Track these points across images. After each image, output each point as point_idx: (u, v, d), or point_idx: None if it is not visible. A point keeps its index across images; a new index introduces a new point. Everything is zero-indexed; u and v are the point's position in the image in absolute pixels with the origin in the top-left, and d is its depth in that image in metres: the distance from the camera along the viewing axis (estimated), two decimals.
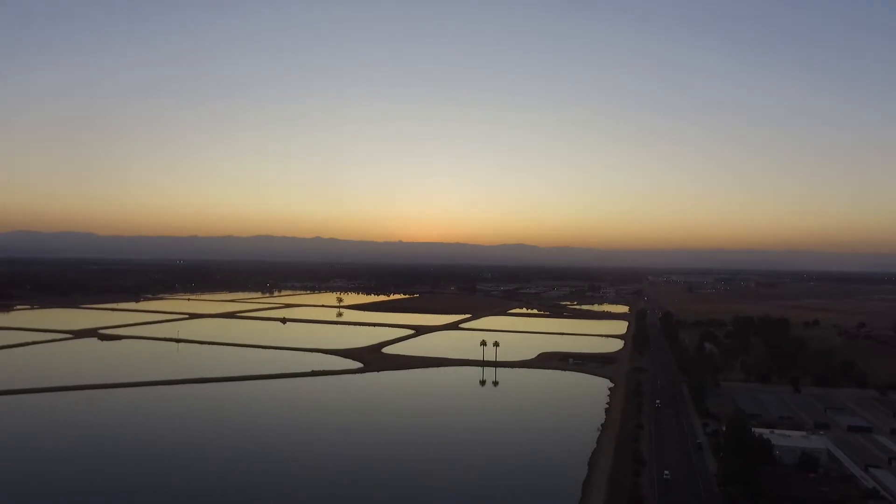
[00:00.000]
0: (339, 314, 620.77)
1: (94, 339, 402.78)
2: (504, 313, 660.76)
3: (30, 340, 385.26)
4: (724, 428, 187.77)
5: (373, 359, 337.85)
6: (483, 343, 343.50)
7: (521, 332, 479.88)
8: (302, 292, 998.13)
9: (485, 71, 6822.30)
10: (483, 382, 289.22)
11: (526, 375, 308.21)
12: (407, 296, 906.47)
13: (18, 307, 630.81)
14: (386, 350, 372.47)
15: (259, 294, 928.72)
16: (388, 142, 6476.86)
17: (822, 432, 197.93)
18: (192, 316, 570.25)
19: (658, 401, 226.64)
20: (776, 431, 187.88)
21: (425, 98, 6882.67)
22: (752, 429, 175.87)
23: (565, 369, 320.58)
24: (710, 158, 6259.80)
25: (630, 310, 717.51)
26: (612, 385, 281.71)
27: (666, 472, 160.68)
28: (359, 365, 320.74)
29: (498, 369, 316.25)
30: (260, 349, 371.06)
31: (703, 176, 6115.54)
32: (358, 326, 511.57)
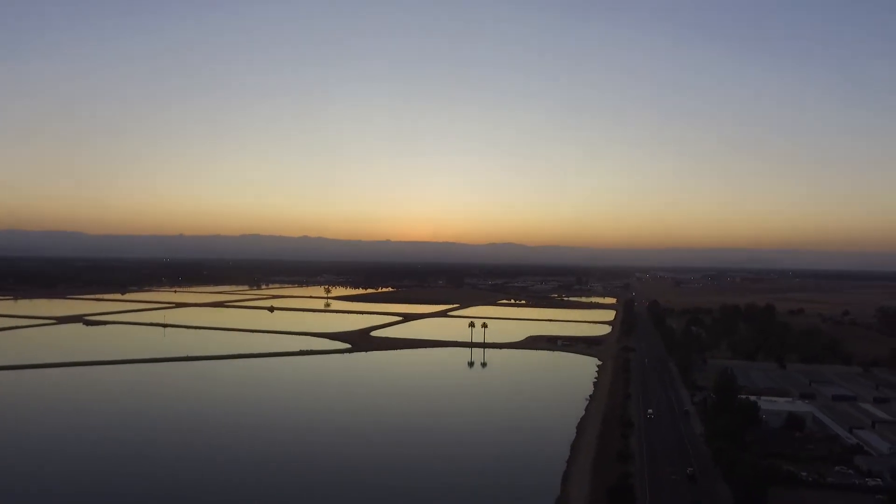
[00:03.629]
0: (327, 304, 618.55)
1: (79, 325, 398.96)
2: (492, 304, 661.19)
3: (11, 325, 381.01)
4: (711, 395, 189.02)
5: (361, 340, 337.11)
6: (471, 325, 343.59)
7: (509, 319, 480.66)
8: (290, 286, 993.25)
9: (474, 71, 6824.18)
10: (472, 360, 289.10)
11: (514, 355, 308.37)
12: (395, 289, 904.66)
13: (3, 298, 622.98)
14: (374, 334, 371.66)
15: (246, 288, 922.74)
16: (376, 141, 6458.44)
17: (807, 401, 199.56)
18: (179, 305, 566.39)
19: (650, 410, 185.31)
20: (763, 398, 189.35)
21: (415, 97, 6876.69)
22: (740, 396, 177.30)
23: (553, 350, 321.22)
24: (697, 158, 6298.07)
25: (617, 301, 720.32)
26: (600, 363, 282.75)
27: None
28: (347, 346, 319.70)
29: (486, 350, 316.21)
30: (248, 332, 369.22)
31: (690, 176, 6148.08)
32: (346, 314, 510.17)
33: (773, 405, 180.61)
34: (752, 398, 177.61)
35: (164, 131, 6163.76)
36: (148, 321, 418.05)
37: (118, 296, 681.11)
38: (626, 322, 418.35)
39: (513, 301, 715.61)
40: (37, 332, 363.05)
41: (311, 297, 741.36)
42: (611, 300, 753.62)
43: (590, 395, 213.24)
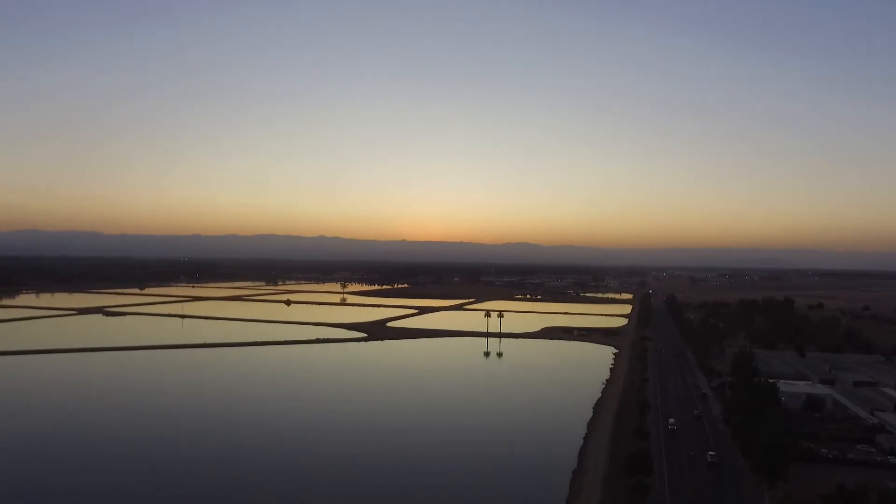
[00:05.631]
0: (343, 299, 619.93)
1: (99, 315, 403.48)
2: (508, 299, 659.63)
3: (34, 316, 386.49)
4: (729, 379, 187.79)
5: (377, 330, 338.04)
6: (487, 315, 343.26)
7: (525, 312, 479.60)
8: (306, 283, 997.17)
9: (488, 70, 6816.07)
10: (488, 349, 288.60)
11: (530, 344, 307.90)
12: (410, 285, 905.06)
13: (24, 292, 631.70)
14: (390, 324, 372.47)
15: (263, 284, 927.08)
16: (391, 141, 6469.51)
17: (827, 386, 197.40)
18: (197, 299, 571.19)
19: (672, 420, 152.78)
20: (782, 381, 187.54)
21: (429, 97, 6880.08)
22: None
23: (570, 339, 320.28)
24: (713, 157, 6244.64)
25: (634, 297, 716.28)
26: (616, 351, 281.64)
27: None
28: (363, 335, 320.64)
29: (502, 339, 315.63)
30: (264, 323, 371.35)
31: (706, 175, 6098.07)
32: (362, 308, 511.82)
33: (793, 387, 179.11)
34: (771, 381, 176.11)
35: (180, 133, 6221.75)
36: (166, 312, 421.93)
37: (136, 290, 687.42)
38: (642, 314, 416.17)
39: (528, 296, 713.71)
40: (58, 321, 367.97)
41: (327, 292, 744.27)
42: (627, 296, 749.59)
43: (606, 380, 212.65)
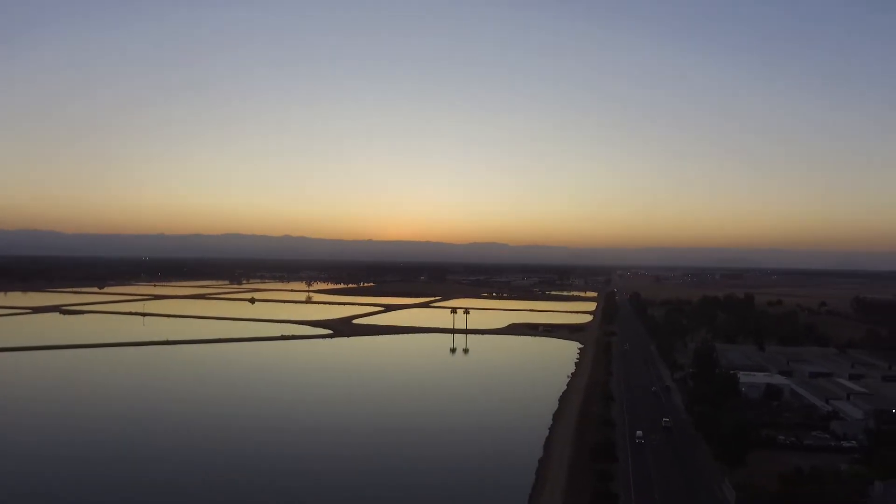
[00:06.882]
0: (309, 297, 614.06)
1: (56, 314, 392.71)
2: (474, 297, 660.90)
3: None
4: (692, 370, 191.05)
5: (343, 327, 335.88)
6: (454, 311, 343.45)
7: (491, 310, 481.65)
8: (271, 282, 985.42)
9: (456, 71, 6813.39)
10: (454, 345, 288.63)
11: (495, 340, 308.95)
12: (376, 284, 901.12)
13: None
14: (356, 322, 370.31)
15: (227, 283, 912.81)
16: (358, 140, 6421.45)
17: (785, 377, 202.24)
18: (158, 297, 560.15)
19: (639, 432, 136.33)
20: (742, 372, 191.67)
21: (398, 97, 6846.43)
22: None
23: (535, 335, 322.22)
24: (679, 158, 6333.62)
25: (598, 295, 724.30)
26: (581, 346, 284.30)
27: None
28: (329, 332, 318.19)
29: (469, 336, 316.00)
30: (228, 321, 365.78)
31: (672, 176, 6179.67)
32: (328, 305, 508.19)
33: (752, 378, 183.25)
34: (732, 372, 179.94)
35: (144, 129, 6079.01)
36: (127, 311, 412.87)
37: (96, 289, 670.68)
38: (607, 311, 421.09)
39: (494, 294, 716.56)
40: (11, 320, 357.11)
41: (292, 290, 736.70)
42: (592, 294, 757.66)
43: (571, 374, 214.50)
